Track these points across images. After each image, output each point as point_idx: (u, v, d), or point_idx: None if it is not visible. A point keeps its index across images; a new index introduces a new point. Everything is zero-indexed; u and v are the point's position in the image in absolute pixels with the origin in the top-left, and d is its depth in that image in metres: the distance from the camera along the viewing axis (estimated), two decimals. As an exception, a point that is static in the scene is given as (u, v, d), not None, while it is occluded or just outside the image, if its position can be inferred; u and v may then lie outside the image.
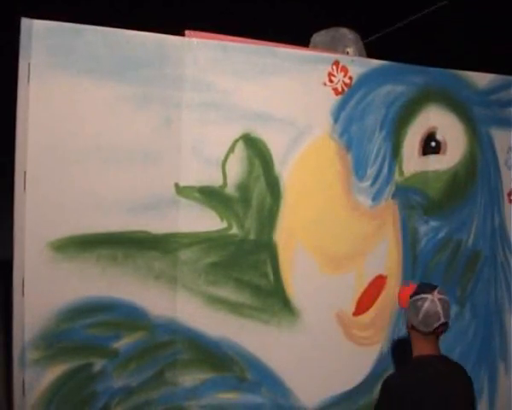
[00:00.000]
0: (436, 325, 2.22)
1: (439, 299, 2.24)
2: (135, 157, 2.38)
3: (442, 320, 2.23)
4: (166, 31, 2.44)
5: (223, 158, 2.52)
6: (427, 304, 2.23)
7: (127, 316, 2.38)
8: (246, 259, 2.56)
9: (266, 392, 2.62)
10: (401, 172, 2.87)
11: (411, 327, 2.29)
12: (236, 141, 2.54)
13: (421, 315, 2.23)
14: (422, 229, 2.94)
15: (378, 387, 2.83)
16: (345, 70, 2.72)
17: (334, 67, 2.71)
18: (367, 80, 2.77)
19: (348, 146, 2.75)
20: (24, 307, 2.24)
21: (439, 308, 2.22)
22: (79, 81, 2.29)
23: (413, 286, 2.35)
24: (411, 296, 2.29)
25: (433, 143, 2.97)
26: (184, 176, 2.46)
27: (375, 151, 2.80)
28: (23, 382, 2.25)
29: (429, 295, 2.24)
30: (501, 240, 3.15)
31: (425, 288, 2.29)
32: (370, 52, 3.06)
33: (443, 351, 2.52)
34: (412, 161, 2.90)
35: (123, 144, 2.36)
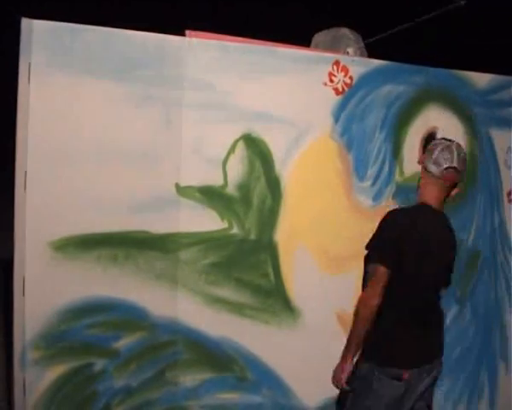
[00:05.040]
0: (446, 165, 2.29)
1: (457, 146, 2.32)
2: (135, 157, 2.38)
3: (454, 164, 2.29)
4: (166, 31, 2.44)
5: (223, 158, 2.51)
6: (442, 146, 2.31)
7: (128, 316, 2.38)
8: (246, 259, 2.56)
9: (267, 392, 2.62)
10: (401, 173, 2.87)
11: (423, 171, 2.37)
12: (237, 141, 2.54)
13: (434, 155, 2.30)
14: (423, 229, 2.94)
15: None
16: (345, 70, 2.72)
17: (335, 67, 2.70)
18: (367, 80, 2.77)
19: (349, 146, 2.75)
20: (24, 307, 2.24)
21: (455, 154, 2.29)
22: (79, 81, 2.28)
23: None
24: (431, 142, 2.41)
25: (434, 143, 2.96)
26: (185, 176, 2.45)
27: (375, 151, 2.80)
28: (24, 382, 2.25)
29: (448, 142, 2.33)
30: (501, 240, 3.15)
31: (446, 139, 2.37)
32: (371, 52, 3.05)
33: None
34: (412, 161, 2.90)
35: (123, 144, 2.36)
